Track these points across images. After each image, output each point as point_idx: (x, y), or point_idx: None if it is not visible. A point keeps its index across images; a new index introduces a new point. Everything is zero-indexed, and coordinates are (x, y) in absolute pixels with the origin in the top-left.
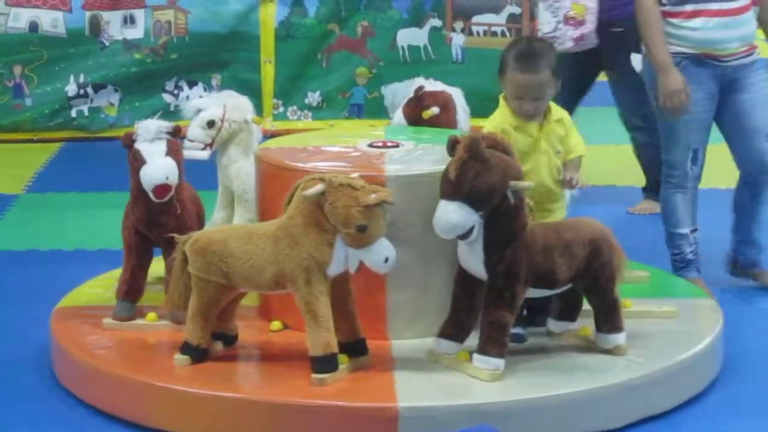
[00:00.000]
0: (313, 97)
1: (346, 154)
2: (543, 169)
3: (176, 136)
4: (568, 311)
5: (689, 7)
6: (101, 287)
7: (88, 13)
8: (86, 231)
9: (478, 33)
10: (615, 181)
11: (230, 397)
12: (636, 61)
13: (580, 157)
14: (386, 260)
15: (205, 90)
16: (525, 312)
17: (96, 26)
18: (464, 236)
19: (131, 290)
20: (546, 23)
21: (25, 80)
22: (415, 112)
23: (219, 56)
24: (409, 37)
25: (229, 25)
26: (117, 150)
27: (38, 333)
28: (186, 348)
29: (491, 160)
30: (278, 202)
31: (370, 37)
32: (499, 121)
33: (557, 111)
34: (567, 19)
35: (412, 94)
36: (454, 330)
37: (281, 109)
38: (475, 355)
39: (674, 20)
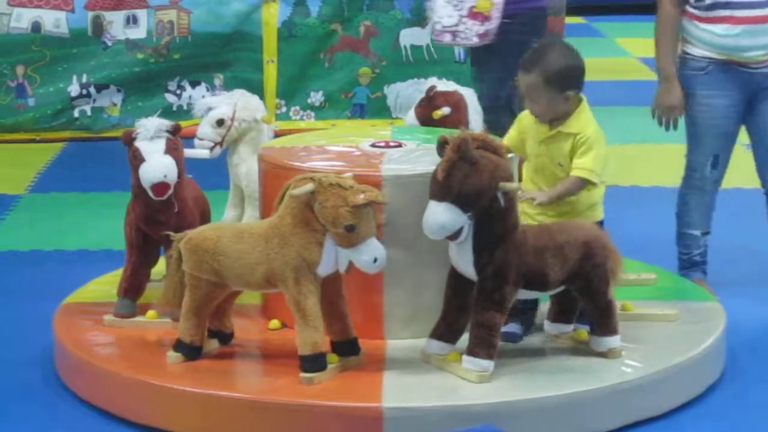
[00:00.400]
0: (316, 97)
1: (346, 154)
2: (543, 173)
3: (176, 134)
4: (564, 313)
5: (716, 12)
6: (109, 284)
7: (90, 13)
8: (89, 231)
9: None
10: (615, 181)
11: (216, 395)
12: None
13: (578, 179)
14: (375, 260)
15: (207, 90)
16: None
17: (98, 26)
18: (453, 237)
19: (131, 287)
20: (447, 16)
21: (28, 80)
22: (427, 112)
23: (221, 56)
24: (412, 36)
25: (231, 25)
26: (120, 150)
27: (42, 332)
28: (179, 345)
29: (480, 161)
30: None
31: (372, 36)
32: (526, 113)
33: (576, 126)
34: (473, 14)
35: (423, 94)
36: (445, 331)
37: (284, 109)
38: (464, 357)
39: (701, 24)
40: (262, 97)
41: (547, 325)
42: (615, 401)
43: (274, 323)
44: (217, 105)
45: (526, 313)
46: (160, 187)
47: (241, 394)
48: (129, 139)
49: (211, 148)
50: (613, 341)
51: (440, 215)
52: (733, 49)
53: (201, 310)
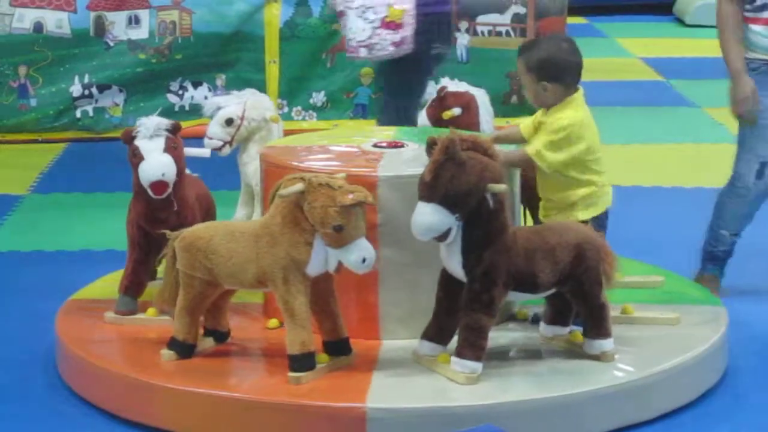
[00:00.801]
0: (318, 97)
1: (346, 154)
2: None
3: (175, 133)
4: (560, 316)
5: (765, 14)
6: (115, 282)
7: (92, 14)
8: (91, 231)
9: (482, 33)
10: (617, 181)
11: (203, 393)
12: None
13: (523, 153)
14: (364, 261)
15: (209, 90)
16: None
17: (101, 27)
18: (441, 238)
19: (132, 285)
20: (360, 31)
21: (30, 81)
22: (438, 113)
23: (224, 57)
24: None
25: (233, 25)
26: (122, 150)
27: (44, 332)
28: (173, 343)
29: (468, 162)
30: None
31: None
32: None
33: (553, 116)
34: (385, 24)
35: (434, 95)
36: (436, 332)
37: (286, 110)
38: (453, 358)
39: (753, 26)
40: None
41: (543, 328)
42: (603, 405)
43: (273, 322)
44: (227, 104)
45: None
46: (159, 185)
47: (227, 392)
48: (129, 138)
49: (221, 147)
50: (605, 344)
51: (428, 216)
52: None
53: (194, 309)
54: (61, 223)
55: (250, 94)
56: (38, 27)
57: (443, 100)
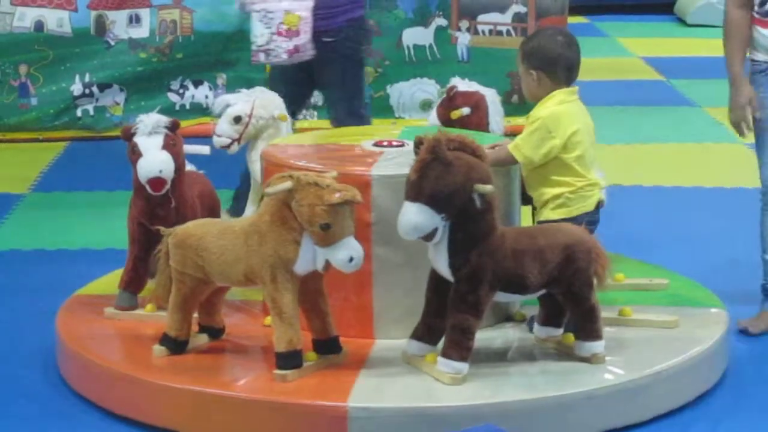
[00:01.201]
0: (319, 96)
1: (345, 153)
2: None
3: (174, 130)
4: (553, 317)
5: None
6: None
7: (93, 13)
8: (92, 230)
9: (483, 32)
10: (617, 181)
11: (188, 390)
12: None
13: (505, 149)
14: (351, 260)
15: (210, 90)
16: None
17: (101, 26)
18: (428, 238)
19: (132, 281)
20: (260, 36)
21: (31, 80)
22: (447, 113)
23: (224, 55)
24: (415, 36)
25: (234, 24)
26: (122, 149)
27: (44, 330)
28: (165, 339)
29: (454, 162)
30: None
31: (375, 36)
32: None
33: (536, 110)
34: (280, 31)
35: (445, 95)
36: (425, 332)
37: None
38: (439, 358)
39: (761, 29)
40: None
41: (536, 329)
42: (590, 407)
43: (270, 320)
44: (236, 102)
45: None
46: (156, 182)
47: (211, 389)
48: (128, 135)
49: (229, 145)
50: (596, 346)
51: (413, 216)
52: None
53: (186, 305)
54: (62, 221)
55: (259, 92)
56: (39, 26)
57: (452, 99)
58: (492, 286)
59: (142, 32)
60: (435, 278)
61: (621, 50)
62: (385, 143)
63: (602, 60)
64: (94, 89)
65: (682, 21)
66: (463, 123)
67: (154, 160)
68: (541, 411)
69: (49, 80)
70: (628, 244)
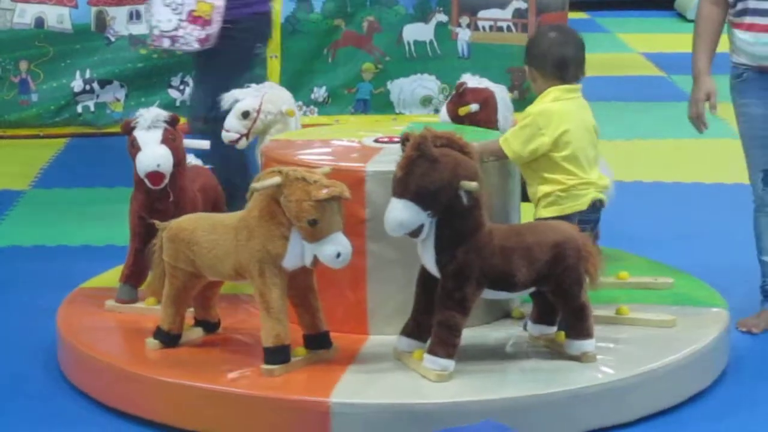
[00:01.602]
0: (319, 93)
1: (344, 149)
2: None
3: (174, 125)
4: (546, 315)
5: (747, 19)
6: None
7: (93, 9)
8: (92, 226)
9: (483, 28)
10: (617, 177)
11: (175, 384)
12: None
13: (496, 143)
14: (338, 255)
15: None
16: None
17: (102, 22)
18: (414, 235)
19: (133, 274)
20: (166, 20)
21: (31, 76)
22: (456, 109)
23: None
24: (415, 32)
25: None
26: (123, 145)
27: (45, 326)
28: (158, 333)
29: (441, 159)
30: None
31: (376, 32)
32: None
33: (531, 106)
34: (193, 18)
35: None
36: (414, 328)
37: None
38: (425, 355)
39: (736, 31)
40: None
41: (529, 326)
42: (578, 405)
43: None
44: (244, 97)
45: None
46: (155, 176)
47: (198, 383)
48: (128, 128)
49: (237, 140)
50: (586, 345)
51: (399, 212)
52: (762, 58)
53: (179, 299)
54: (63, 218)
55: (268, 87)
56: (39, 22)
57: (462, 96)
58: (479, 283)
59: (142, 28)
60: (424, 275)
61: (621, 46)
62: (386, 139)
63: (602, 56)
64: (95, 85)
65: (682, 17)
66: (471, 120)
67: (152, 154)
68: (524, 409)
69: (50, 76)
70: (628, 241)
